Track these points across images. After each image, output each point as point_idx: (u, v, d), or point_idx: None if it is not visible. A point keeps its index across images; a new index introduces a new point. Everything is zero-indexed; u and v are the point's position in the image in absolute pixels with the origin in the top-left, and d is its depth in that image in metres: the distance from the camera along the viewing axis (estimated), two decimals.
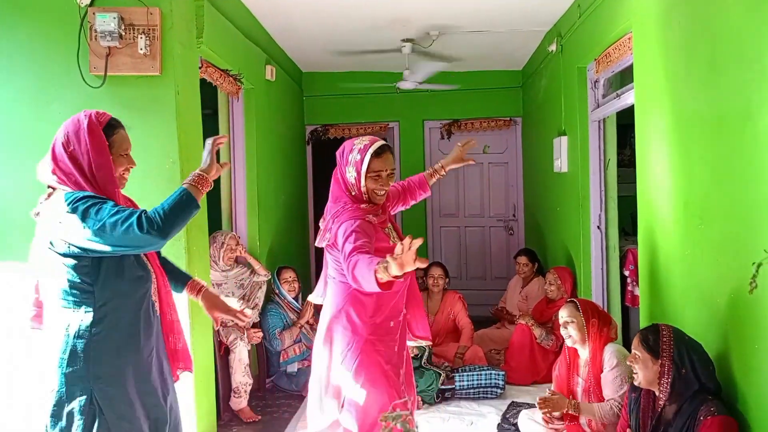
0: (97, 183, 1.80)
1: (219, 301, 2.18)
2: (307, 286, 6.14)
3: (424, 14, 4.50)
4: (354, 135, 6.65)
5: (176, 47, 3.00)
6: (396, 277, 1.80)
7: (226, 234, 4.00)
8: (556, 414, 2.90)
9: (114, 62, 2.91)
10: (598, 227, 4.25)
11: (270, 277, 4.26)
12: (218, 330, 3.74)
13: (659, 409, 2.29)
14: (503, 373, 3.95)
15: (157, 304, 1.94)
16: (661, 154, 2.86)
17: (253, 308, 4.09)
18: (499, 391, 3.92)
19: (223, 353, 3.75)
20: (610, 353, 2.83)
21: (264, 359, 4.30)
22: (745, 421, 2.11)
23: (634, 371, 2.30)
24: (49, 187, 1.84)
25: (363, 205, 2.28)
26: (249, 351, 3.85)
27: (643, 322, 3.12)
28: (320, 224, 2.40)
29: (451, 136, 6.62)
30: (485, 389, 3.90)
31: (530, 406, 3.51)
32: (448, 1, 4.25)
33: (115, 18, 2.81)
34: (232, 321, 2.37)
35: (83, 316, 1.76)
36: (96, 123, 1.81)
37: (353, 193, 2.29)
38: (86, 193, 1.75)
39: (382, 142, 2.31)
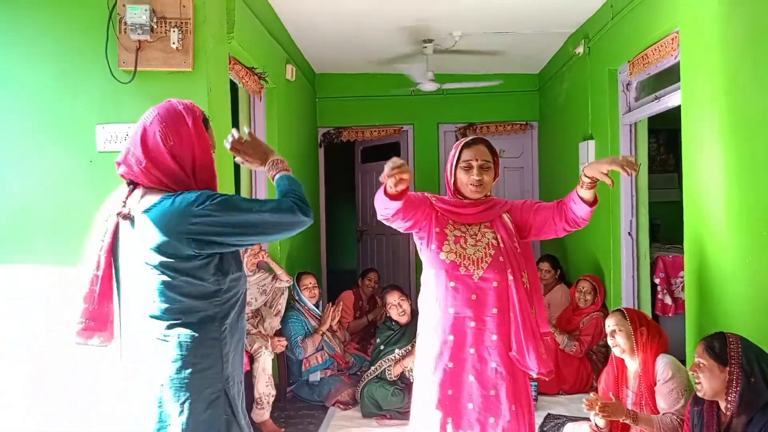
0: (196, 182, 1.61)
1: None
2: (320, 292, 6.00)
3: (448, 14, 4.39)
4: (368, 138, 6.53)
5: (209, 42, 2.86)
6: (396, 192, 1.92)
7: None
8: (601, 423, 2.77)
9: (144, 57, 2.76)
10: (629, 234, 4.14)
11: (291, 282, 4.11)
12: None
13: (725, 422, 2.17)
14: (536, 383, 3.82)
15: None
16: (714, 157, 2.74)
17: (276, 315, 3.94)
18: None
19: (247, 362, 3.60)
20: (664, 364, 2.70)
21: (284, 368, 4.15)
22: None
23: (697, 381, 2.17)
24: (132, 184, 1.61)
25: (447, 197, 2.27)
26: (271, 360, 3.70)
27: (690, 332, 3.00)
28: None
29: None
30: None
31: (568, 418, 3.39)
32: (474, 2, 4.14)
33: (146, 10, 2.67)
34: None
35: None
36: (199, 117, 1.64)
37: (447, 193, 2.31)
38: (207, 191, 1.56)
39: (476, 136, 2.33)
